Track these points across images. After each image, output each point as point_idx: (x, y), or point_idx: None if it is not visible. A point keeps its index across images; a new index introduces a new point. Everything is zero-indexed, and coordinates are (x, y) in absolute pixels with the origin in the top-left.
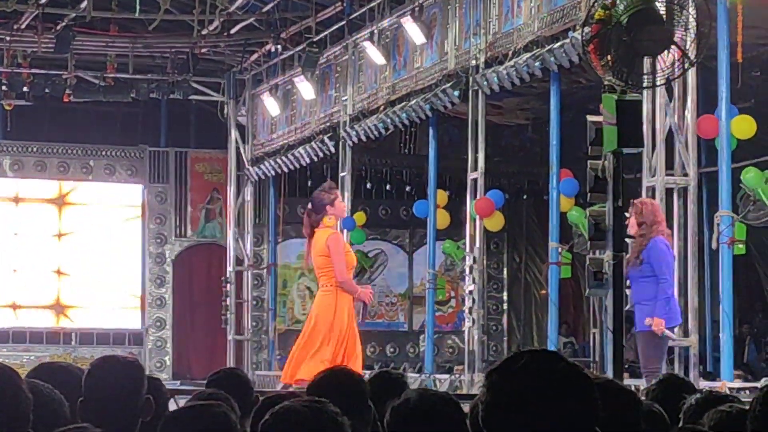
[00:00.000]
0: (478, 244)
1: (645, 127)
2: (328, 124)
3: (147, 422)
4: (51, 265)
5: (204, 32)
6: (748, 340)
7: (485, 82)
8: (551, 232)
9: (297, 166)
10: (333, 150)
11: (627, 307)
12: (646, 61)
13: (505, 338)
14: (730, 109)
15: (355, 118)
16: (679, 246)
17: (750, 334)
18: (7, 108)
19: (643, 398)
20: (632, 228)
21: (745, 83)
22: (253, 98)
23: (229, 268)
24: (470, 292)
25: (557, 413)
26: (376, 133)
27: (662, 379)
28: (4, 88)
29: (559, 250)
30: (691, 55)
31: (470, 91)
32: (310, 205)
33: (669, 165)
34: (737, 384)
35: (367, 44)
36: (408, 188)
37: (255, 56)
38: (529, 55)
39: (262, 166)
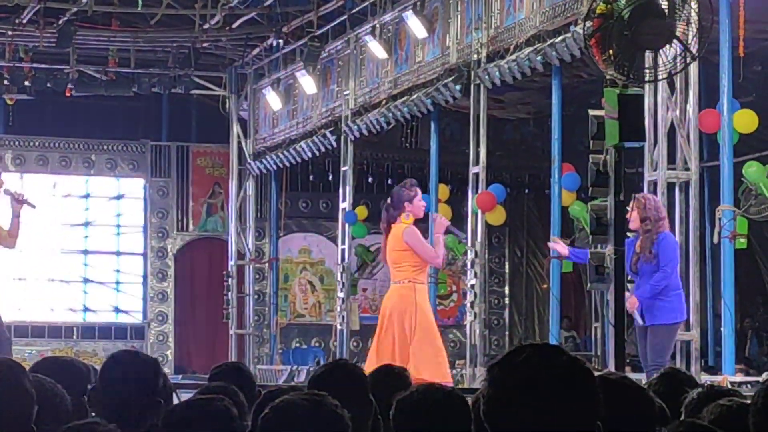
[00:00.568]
0: (479, 239)
1: (647, 122)
2: (329, 118)
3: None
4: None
5: (206, 26)
6: (749, 334)
7: (487, 77)
8: (553, 226)
9: (299, 160)
10: (335, 144)
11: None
12: (648, 56)
13: (506, 332)
14: (731, 104)
15: (357, 113)
16: (680, 240)
17: (752, 328)
18: (8, 102)
19: None
20: (634, 223)
21: (747, 77)
22: (254, 92)
23: (231, 263)
24: (472, 287)
25: (559, 407)
26: (377, 127)
27: (664, 373)
28: (5, 82)
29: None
30: (693, 49)
31: (472, 86)
32: (389, 200)
33: (671, 159)
34: (739, 378)
35: (368, 38)
36: None
37: (256, 50)
38: (530, 49)
39: (263, 161)
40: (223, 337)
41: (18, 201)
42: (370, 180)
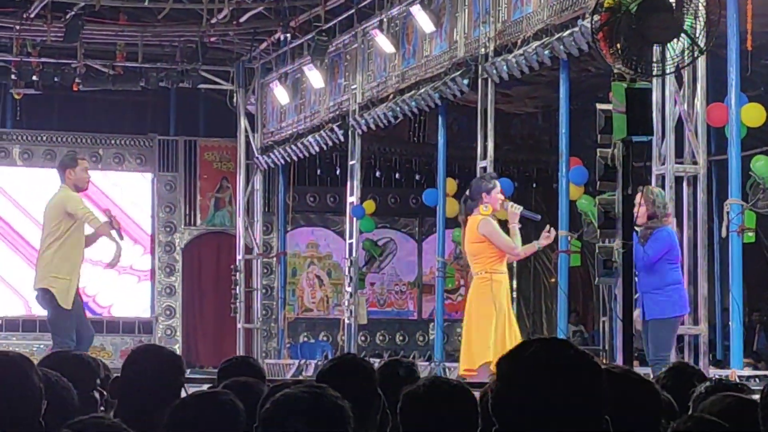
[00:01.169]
0: None
1: (654, 115)
2: (337, 112)
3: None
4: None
5: (213, 21)
6: (757, 328)
7: (494, 71)
8: (560, 220)
9: (306, 154)
10: (342, 138)
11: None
12: (656, 49)
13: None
14: (739, 97)
15: (365, 107)
16: (688, 234)
17: (760, 323)
18: (16, 97)
19: None
20: (641, 218)
21: (755, 71)
22: (262, 87)
23: (239, 257)
24: None
25: (566, 401)
26: (385, 121)
27: (672, 367)
28: (13, 77)
29: (569, 238)
30: (701, 43)
31: (479, 80)
32: (467, 192)
33: (678, 153)
34: (747, 372)
35: (376, 32)
36: (417, 177)
37: (264, 45)
38: (538, 43)
39: (271, 155)
40: (230, 331)
41: (111, 226)
42: (377, 174)
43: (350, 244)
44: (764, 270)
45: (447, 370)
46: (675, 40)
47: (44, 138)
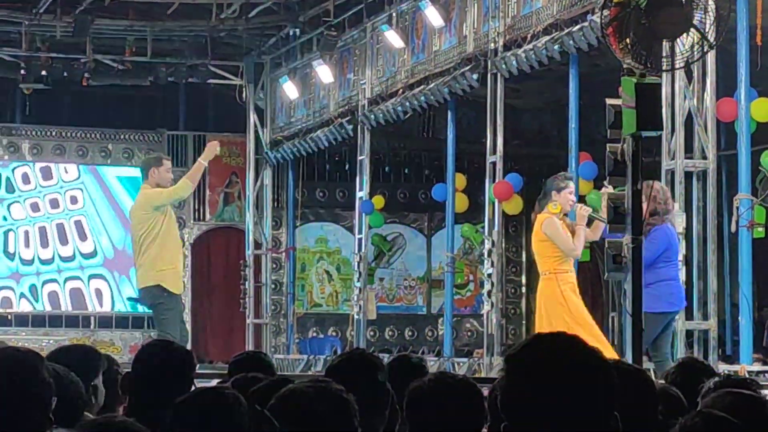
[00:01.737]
0: (496, 228)
1: (664, 111)
2: (346, 107)
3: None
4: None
5: (222, 16)
6: (767, 323)
7: (504, 66)
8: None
9: (315, 149)
10: (351, 133)
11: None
12: (665, 44)
13: (523, 322)
14: (749, 92)
15: (374, 102)
16: (698, 229)
17: None
18: (25, 92)
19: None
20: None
21: (765, 66)
22: (271, 82)
23: (248, 252)
24: (489, 276)
25: (575, 398)
26: (394, 116)
27: (681, 363)
28: (22, 72)
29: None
30: (711, 38)
31: (489, 75)
32: (542, 189)
33: (688, 148)
34: (756, 367)
35: (385, 27)
36: (426, 172)
37: (273, 40)
38: (547, 38)
39: (280, 150)
40: (239, 326)
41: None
42: (386, 169)
43: (359, 240)
44: None
45: (456, 365)
46: (684, 35)
47: (53, 133)
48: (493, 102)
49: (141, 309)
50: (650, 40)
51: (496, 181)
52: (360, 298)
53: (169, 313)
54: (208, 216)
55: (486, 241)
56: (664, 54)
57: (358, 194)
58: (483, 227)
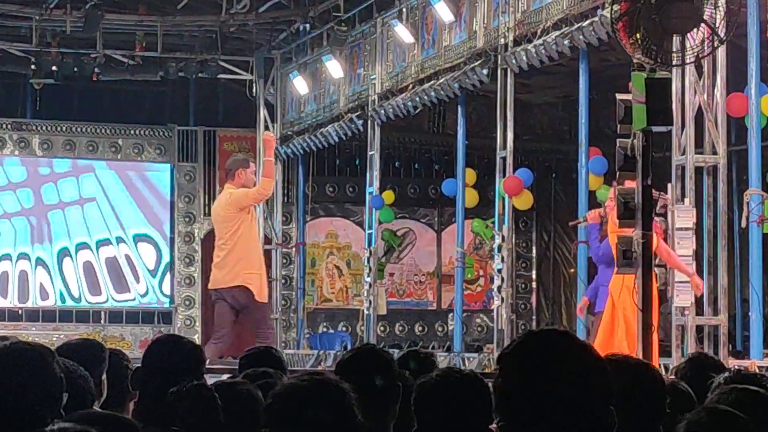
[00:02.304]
0: (506, 223)
1: (674, 106)
2: (356, 102)
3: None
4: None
5: (232, 11)
6: None
7: (514, 61)
8: (580, 210)
9: (326, 144)
10: (361, 128)
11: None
12: (676, 39)
13: (533, 317)
14: (759, 87)
15: (384, 97)
16: (708, 224)
17: None
18: (36, 87)
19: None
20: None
21: None
22: (281, 77)
23: None
24: (499, 271)
25: (570, 394)
26: (404, 111)
27: (691, 359)
28: (33, 67)
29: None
30: (721, 32)
31: (499, 70)
32: None
33: (698, 143)
34: (767, 363)
35: (395, 22)
36: (436, 167)
37: (283, 35)
38: (557, 33)
39: (290, 145)
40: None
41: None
42: (397, 164)
43: (369, 235)
44: None
45: (466, 360)
46: (695, 30)
47: (63, 128)
48: (503, 97)
49: (153, 304)
50: (661, 35)
51: (506, 176)
52: (370, 293)
53: (264, 314)
54: None
55: (496, 236)
56: (674, 49)
57: (368, 189)
58: (493, 222)
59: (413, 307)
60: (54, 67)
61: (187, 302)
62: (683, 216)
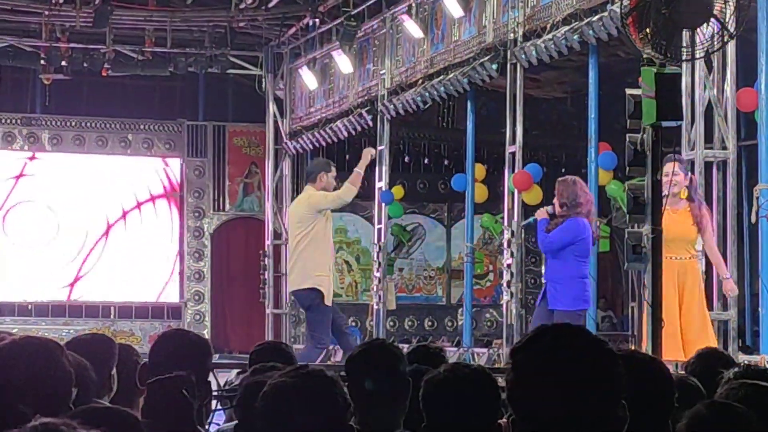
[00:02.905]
0: (516, 218)
1: (684, 101)
2: (365, 97)
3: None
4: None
5: (242, 6)
6: None
7: (523, 56)
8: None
9: (335, 139)
10: (371, 124)
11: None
12: (685, 34)
13: None
14: None
15: (393, 92)
16: (718, 220)
17: None
18: (45, 82)
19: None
20: (556, 207)
21: None
22: (291, 72)
23: (268, 242)
24: (508, 266)
25: (582, 389)
26: (414, 106)
27: (701, 353)
28: (42, 62)
29: (597, 223)
30: (731, 27)
31: (508, 65)
32: None
33: (708, 138)
34: None
35: (404, 17)
36: (446, 162)
37: (293, 30)
38: (567, 28)
39: (300, 140)
40: (259, 316)
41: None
42: (406, 159)
43: (379, 230)
44: None
45: (475, 355)
46: (705, 24)
47: (73, 123)
48: (513, 92)
49: (163, 299)
50: (670, 30)
51: (516, 171)
52: (379, 288)
53: (326, 319)
54: (227, 206)
55: (505, 231)
56: (684, 44)
57: (378, 184)
58: (502, 217)
59: (423, 302)
60: (63, 63)
61: (197, 297)
62: None
